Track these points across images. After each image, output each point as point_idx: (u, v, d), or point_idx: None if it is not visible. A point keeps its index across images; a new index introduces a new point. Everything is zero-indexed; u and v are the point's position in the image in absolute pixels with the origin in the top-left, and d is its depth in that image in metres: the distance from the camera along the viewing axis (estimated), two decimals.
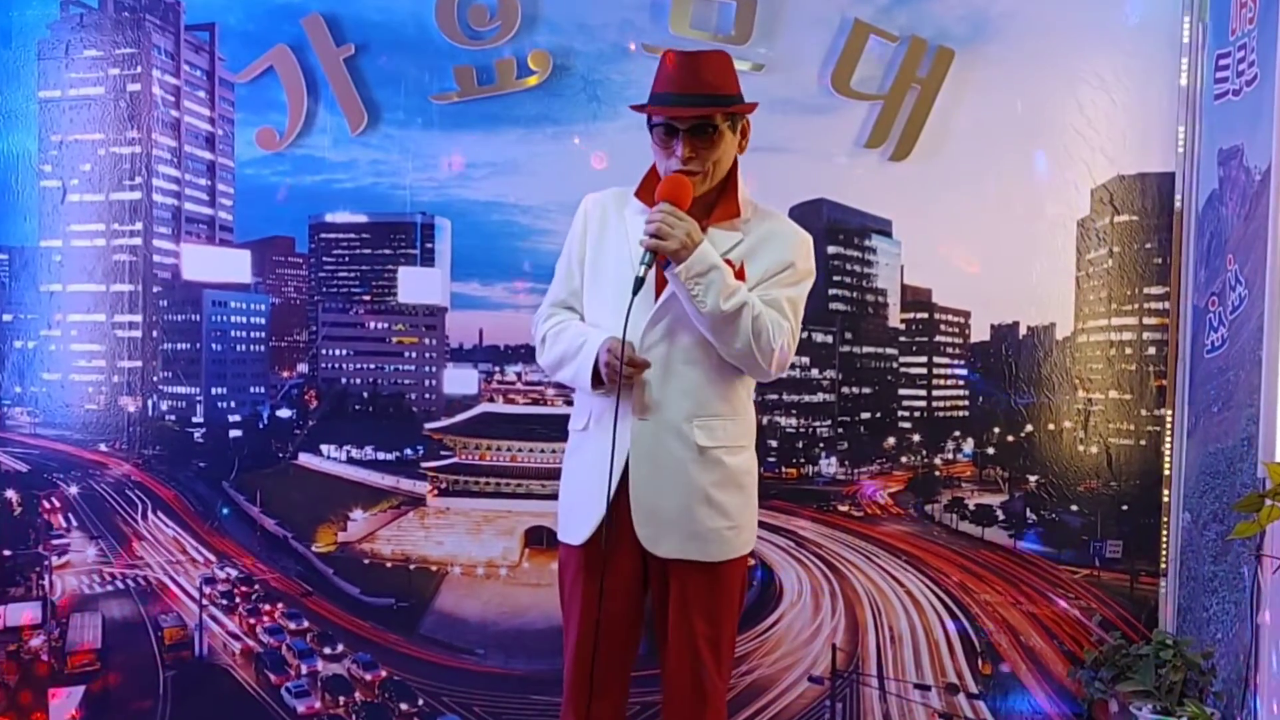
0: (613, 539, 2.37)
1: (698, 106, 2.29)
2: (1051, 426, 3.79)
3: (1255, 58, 3.23)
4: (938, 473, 3.85)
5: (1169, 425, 3.74)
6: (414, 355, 3.89)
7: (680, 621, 2.39)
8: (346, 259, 3.88)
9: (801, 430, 3.85)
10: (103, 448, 3.88)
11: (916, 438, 3.86)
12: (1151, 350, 3.75)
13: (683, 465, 2.34)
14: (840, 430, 3.86)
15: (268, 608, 3.86)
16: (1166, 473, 3.74)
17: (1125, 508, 3.76)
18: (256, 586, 3.86)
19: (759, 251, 2.37)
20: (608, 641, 2.41)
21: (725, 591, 2.41)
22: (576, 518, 2.45)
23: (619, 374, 2.27)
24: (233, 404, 3.89)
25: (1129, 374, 3.77)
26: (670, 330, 2.36)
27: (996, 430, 3.82)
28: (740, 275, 2.34)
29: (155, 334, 3.87)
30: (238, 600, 3.86)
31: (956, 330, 3.84)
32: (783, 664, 3.78)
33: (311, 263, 3.89)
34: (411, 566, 3.87)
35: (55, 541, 3.85)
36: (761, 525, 3.79)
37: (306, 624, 3.86)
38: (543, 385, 3.83)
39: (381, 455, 3.88)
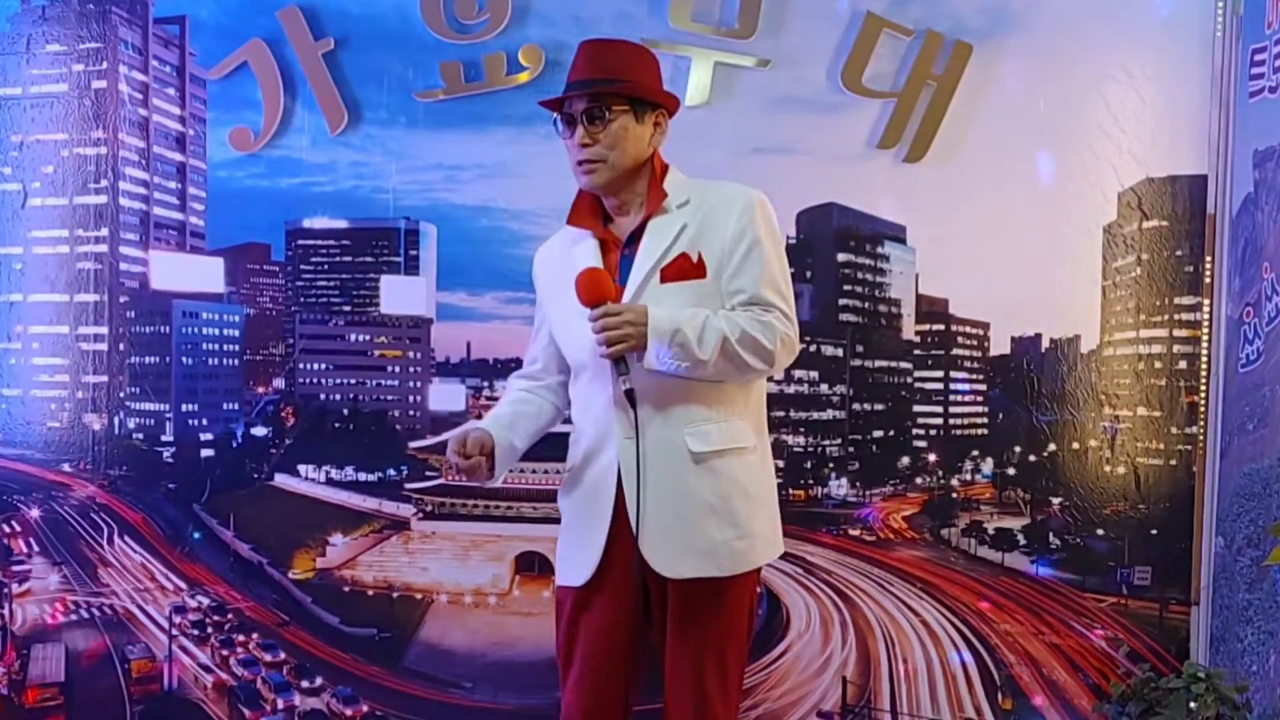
0: (612, 571, 2.33)
1: (585, 89, 2.29)
2: (1076, 445, 3.75)
3: None
4: (955, 494, 3.82)
5: (1201, 444, 3.70)
6: (397, 369, 3.87)
7: (682, 648, 2.34)
8: (325, 267, 3.86)
9: (810, 449, 3.82)
10: (66, 468, 3.86)
11: (932, 457, 3.83)
12: (1182, 364, 3.72)
13: (679, 477, 2.30)
14: (851, 449, 3.82)
15: (242, 638, 3.84)
16: (1198, 494, 3.70)
17: (1154, 532, 3.73)
18: (230, 616, 3.84)
19: (708, 231, 2.32)
20: (611, 680, 2.37)
21: (732, 611, 2.36)
22: (576, 558, 2.40)
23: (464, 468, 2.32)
24: (204, 421, 3.87)
25: (1158, 389, 3.73)
26: None
27: (1017, 449, 3.79)
28: (700, 267, 2.29)
29: (122, 347, 3.85)
30: (210, 630, 3.83)
31: (975, 343, 3.81)
32: (790, 698, 3.73)
33: (288, 271, 3.87)
34: (395, 594, 3.85)
35: (15, 568, 3.83)
36: None
37: (283, 655, 3.83)
38: None
39: (363, 476, 3.87)
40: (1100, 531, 3.75)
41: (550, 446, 3.68)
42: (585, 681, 2.37)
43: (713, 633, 2.34)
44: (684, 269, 2.29)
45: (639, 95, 2.32)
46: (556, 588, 2.48)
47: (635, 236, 2.33)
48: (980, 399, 3.82)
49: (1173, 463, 3.72)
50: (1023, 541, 3.79)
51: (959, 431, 3.83)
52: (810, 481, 3.82)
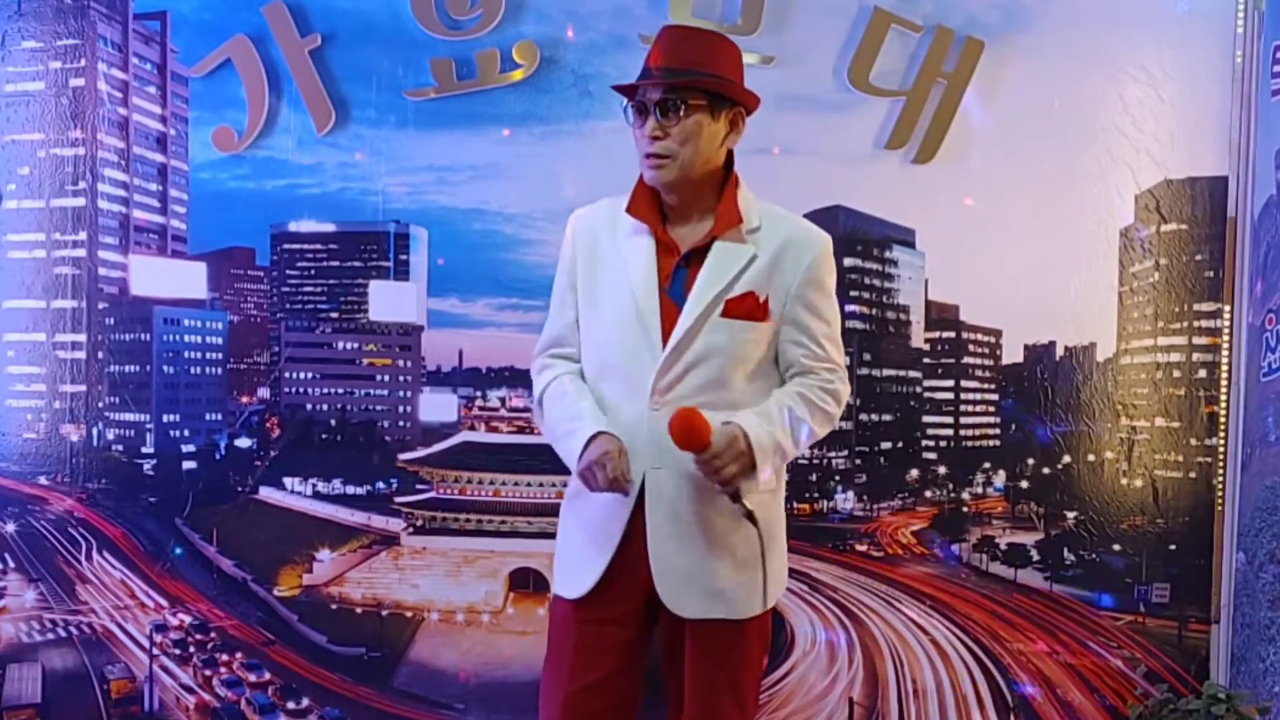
0: (616, 590, 2.33)
1: (663, 79, 2.25)
2: (1091, 457, 3.74)
3: None
4: (966, 508, 3.81)
5: (1221, 456, 3.69)
6: (387, 379, 3.85)
7: (699, 681, 2.35)
8: (312, 272, 3.85)
9: (815, 462, 3.80)
10: (43, 481, 3.84)
11: (942, 470, 3.82)
12: (1202, 373, 3.71)
13: (706, 516, 2.30)
14: (858, 462, 3.81)
15: (225, 658, 3.82)
16: (1219, 508, 3.69)
17: (1173, 547, 3.72)
18: (213, 634, 3.82)
19: (776, 270, 2.31)
20: (608, 703, 2.36)
21: (749, 646, 2.39)
22: (578, 568, 2.38)
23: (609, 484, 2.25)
24: (186, 432, 3.86)
25: (1177, 399, 3.72)
26: (683, 374, 2.30)
27: (1030, 461, 3.78)
28: (764, 310, 2.29)
29: (101, 355, 3.84)
30: (192, 649, 3.82)
31: (986, 351, 3.79)
32: None
33: (274, 276, 3.86)
34: (384, 612, 3.83)
35: None
36: None
37: (268, 675, 3.82)
38: (528, 412, 3.78)
39: (351, 489, 3.85)
40: (1116, 547, 3.73)
41: (543, 460, 3.70)
42: (574, 700, 2.35)
43: (731, 667, 2.35)
44: (750, 310, 2.28)
45: (719, 90, 2.28)
46: (553, 597, 2.47)
47: (696, 249, 2.30)
48: (992, 409, 3.81)
49: (1192, 475, 3.71)
50: (1036, 557, 3.78)
51: (970, 443, 3.82)
52: (816, 495, 3.81)
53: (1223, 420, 3.68)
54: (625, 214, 2.36)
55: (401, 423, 3.84)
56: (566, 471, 2.47)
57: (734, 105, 2.31)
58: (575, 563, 2.38)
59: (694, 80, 2.24)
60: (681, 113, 2.24)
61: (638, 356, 2.28)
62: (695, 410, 2.18)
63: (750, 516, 2.24)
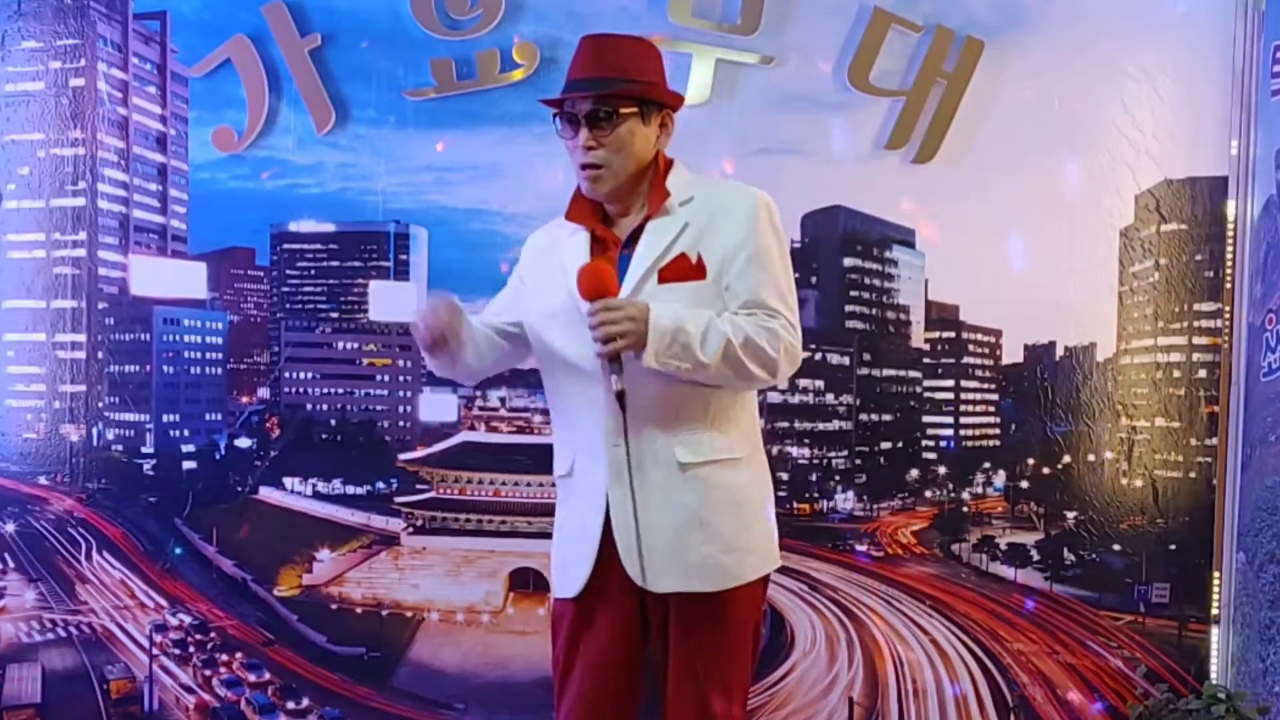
0: (608, 583, 2.32)
1: (591, 90, 2.25)
2: (1091, 457, 3.74)
3: None
4: (966, 508, 3.80)
5: (1221, 456, 3.68)
6: (386, 379, 3.86)
7: (683, 665, 2.33)
8: (312, 272, 3.85)
9: (815, 461, 3.80)
10: (43, 481, 3.84)
11: (942, 470, 3.82)
12: (1202, 373, 3.71)
13: (665, 488, 2.28)
14: (858, 462, 3.81)
15: (225, 658, 3.82)
16: (1218, 509, 3.68)
17: (1173, 547, 3.72)
18: (212, 634, 3.82)
19: (711, 232, 2.29)
20: (609, 698, 2.36)
21: (732, 627, 2.34)
22: (570, 570, 2.38)
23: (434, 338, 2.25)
24: (186, 432, 3.86)
25: (1177, 399, 3.72)
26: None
27: (1031, 462, 3.78)
28: (699, 268, 2.26)
29: (101, 355, 3.84)
30: (192, 649, 3.82)
31: (986, 351, 3.79)
32: None
33: (273, 276, 3.86)
34: (384, 612, 3.83)
35: None
36: None
37: (268, 676, 3.82)
38: (528, 412, 3.78)
39: (351, 489, 3.85)
40: (1116, 547, 3.73)
41: (542, 460, 3.68)
42: (584, 701, 2.36)
43: (714, 650, 2.32)
44: (683, 270, 2.26)
45: (648, 96, 2.28)
46: (553, 600, 2.46)
47: (636, 235, 2.31)
48: (992, 409, 3.81)
49: (1192, 475, 3.71)
50: (1036, 557, 3.77)
51: (970, 443, 3.82)
52: (816, 495, 3.80)
53: (1223, 420, 3.67)
54: (564, 220, 2.38)
55: (401, 423, 3.84)
56: None
57: (663, 108, 2.33)
58: (567, 562, 2.38)
59: (621, 89, 2.25)
60: (613, 121, 2.24)
61: (586, 344, 2.24)
62: (606, 265, 2.20)
63: (620, 397, 2.16)
